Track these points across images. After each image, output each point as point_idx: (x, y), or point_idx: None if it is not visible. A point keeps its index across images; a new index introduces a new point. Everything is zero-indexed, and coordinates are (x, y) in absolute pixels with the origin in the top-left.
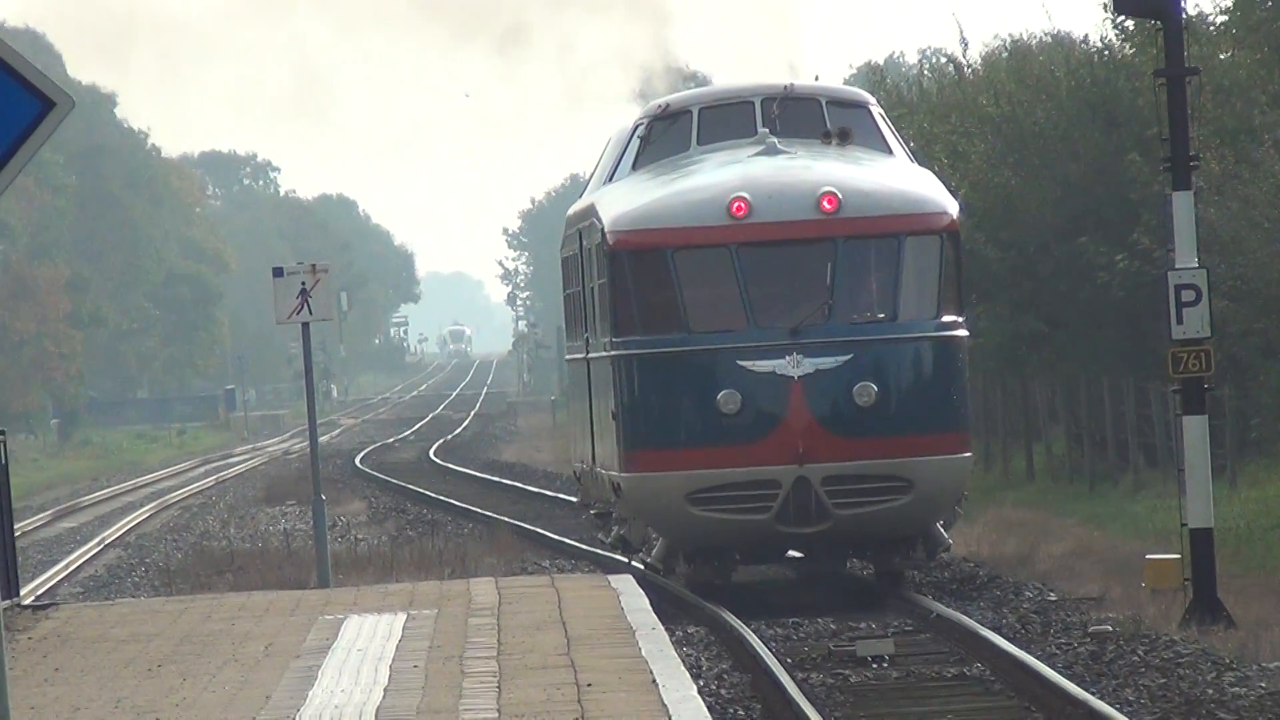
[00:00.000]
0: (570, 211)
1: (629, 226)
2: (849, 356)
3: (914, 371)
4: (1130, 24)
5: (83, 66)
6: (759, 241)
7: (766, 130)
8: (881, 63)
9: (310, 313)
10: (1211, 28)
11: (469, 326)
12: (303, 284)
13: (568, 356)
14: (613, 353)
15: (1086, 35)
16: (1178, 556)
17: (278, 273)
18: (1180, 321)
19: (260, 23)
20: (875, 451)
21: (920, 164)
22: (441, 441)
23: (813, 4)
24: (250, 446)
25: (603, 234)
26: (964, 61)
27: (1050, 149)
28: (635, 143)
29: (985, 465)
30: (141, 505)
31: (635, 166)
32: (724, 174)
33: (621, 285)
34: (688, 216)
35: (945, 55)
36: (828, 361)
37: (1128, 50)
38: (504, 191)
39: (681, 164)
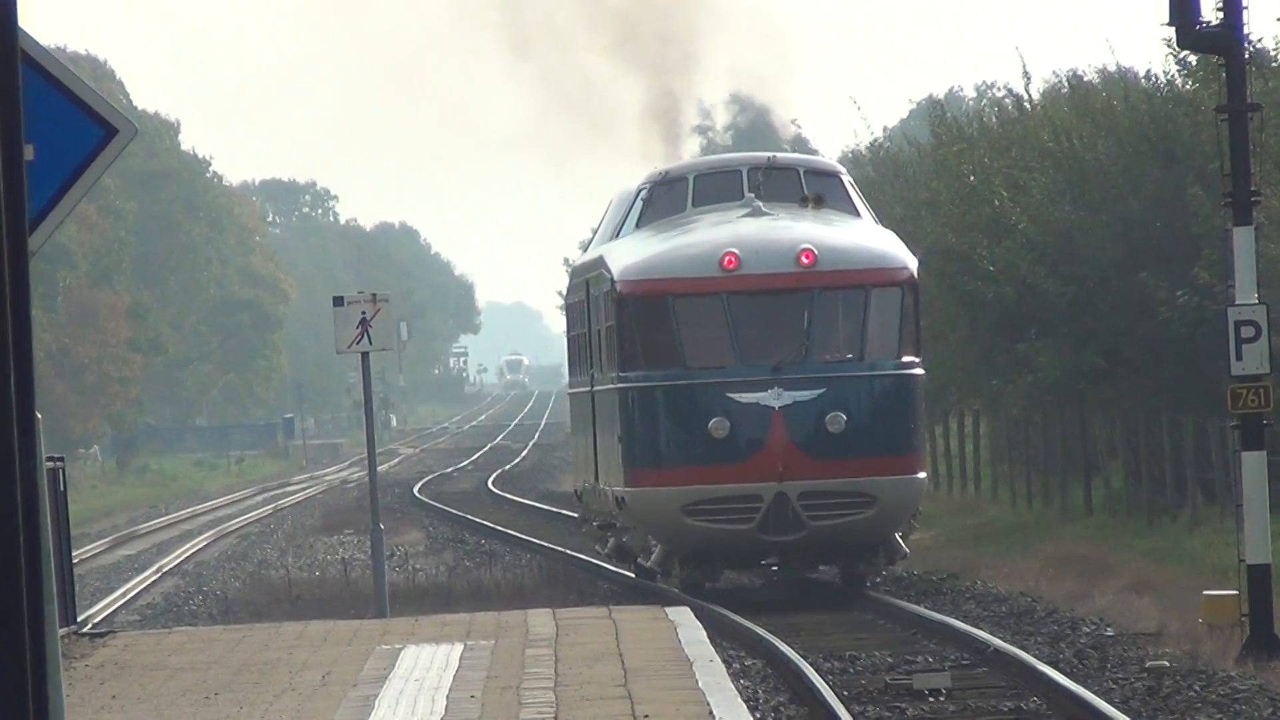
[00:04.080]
0: (577, 264)
1: (635, 276)
2: (822, 390)
3: (877, 404)
4: (1192, 59)
5: (147, 95)
6: (746, 290)
7: (752, 195)
8: (941, 97)
9: (370, 342)
10: (1275, 63)
11: (526, 356)
12: (363, 313)
13: (571, 390)
14: (619, 385)
15: (1149, 70)
16: (1235, 592)
17: (338, 302)
18: (1240, 358)
19: (325, 51)
20: (844, 471)
21: (982, 198)
22: (500, 471)
23: (872, 39)
24: (308, 475)
25: (612, 283)
26: (1025, 95)
27: (1110, 184)
28: (638, 204)
29: (1044, 499)
30: (199, 533)
31: (639, 225)
32: (716, 232)
33: (627, 327)
34: (685, 268)
35: (1006, 88)
36: (804, 394)
37: (1189, 86)
38: (564, 222)
39: (679, 223)
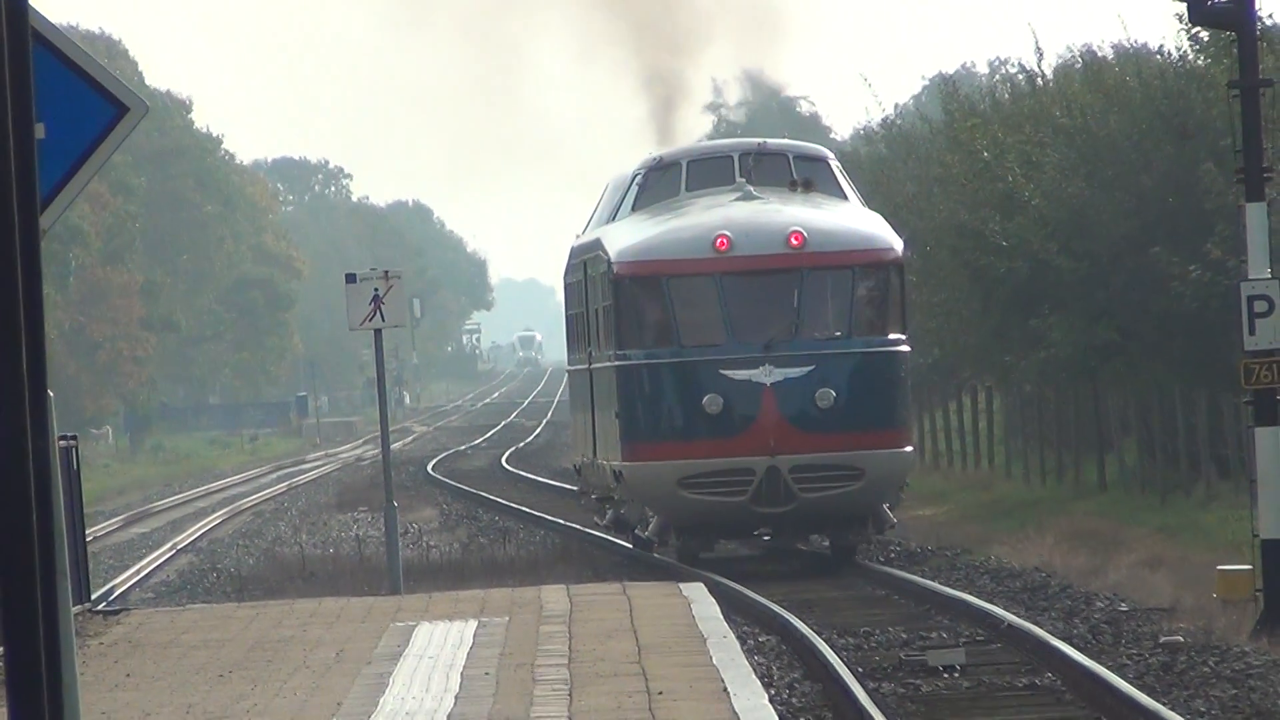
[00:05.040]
0: (574, 245)
1: (631, 258)
2: (812, 367)
3: (865, 380)
4: (1204, 35)
5: (159, 73)
6: (738, 271)
7: (744, 179)
8: (952, 73)
9: (383, 319)
10: None
11: (539, 332)
12: (375, 290)
13: (570, 367)
14: (616, 363)
15: (1161, 45)
16: (1249, 567)
17: (350, 279)
18: (1253, 333)
19: (336, 30)
20: (833, 445)
21: (995, 174)
22: (514, 449)
23: (884, 16)
24: (322, 453)
25: (609, 264)
26: (1038, 71)
27: (1123, 159)
28: (634, 189)
29: (1057, 475)
30: (213, 511)
31: (634, 208)
32: (709, 215)
33: (624, 307)
34: (679, 250)
35: (1019, 64)
36: (794, 371)
37: (1201, 61)
38: (577, 198)
39: (673, 207)
